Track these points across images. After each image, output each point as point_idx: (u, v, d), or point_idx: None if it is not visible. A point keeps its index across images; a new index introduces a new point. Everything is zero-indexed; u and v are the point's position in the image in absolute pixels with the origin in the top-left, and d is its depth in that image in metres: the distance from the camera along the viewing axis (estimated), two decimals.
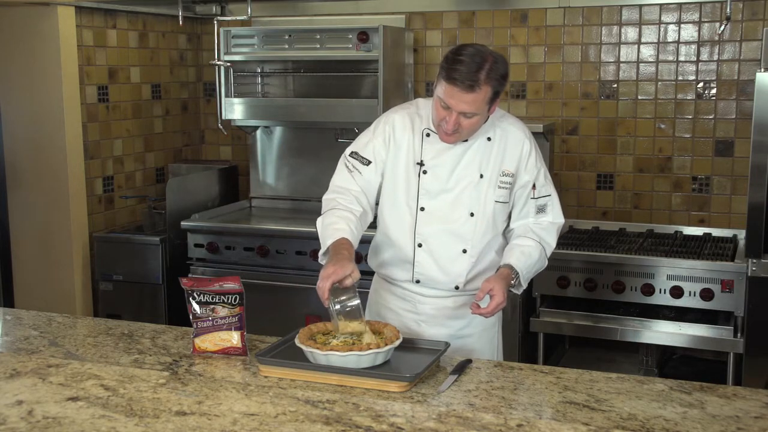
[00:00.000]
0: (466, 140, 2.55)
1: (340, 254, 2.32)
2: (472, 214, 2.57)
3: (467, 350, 2.59)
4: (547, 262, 2.67)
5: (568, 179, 4.51)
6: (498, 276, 2.49)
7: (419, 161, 2.58)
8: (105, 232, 4.54)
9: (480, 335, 2.69)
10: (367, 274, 2.92)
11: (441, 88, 2.41)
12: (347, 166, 2.62)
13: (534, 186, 2.63)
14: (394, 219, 2.63)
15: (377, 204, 2.68)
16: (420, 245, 2.59)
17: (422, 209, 2.58)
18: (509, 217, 2.68)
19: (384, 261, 2.70)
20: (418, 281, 2.62)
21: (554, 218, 2.68)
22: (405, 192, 2.60)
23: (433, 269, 2.60)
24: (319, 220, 2.53)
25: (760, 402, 1.98)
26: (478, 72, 2.35)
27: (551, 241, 2.66)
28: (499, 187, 2.58)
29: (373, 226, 2.76)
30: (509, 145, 2.59)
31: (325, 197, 2.61)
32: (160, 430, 1.82)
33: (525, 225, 2.65)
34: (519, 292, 2.62)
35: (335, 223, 2.46)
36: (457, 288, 2.61)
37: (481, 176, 2.57)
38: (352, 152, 2.63)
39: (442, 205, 2.58)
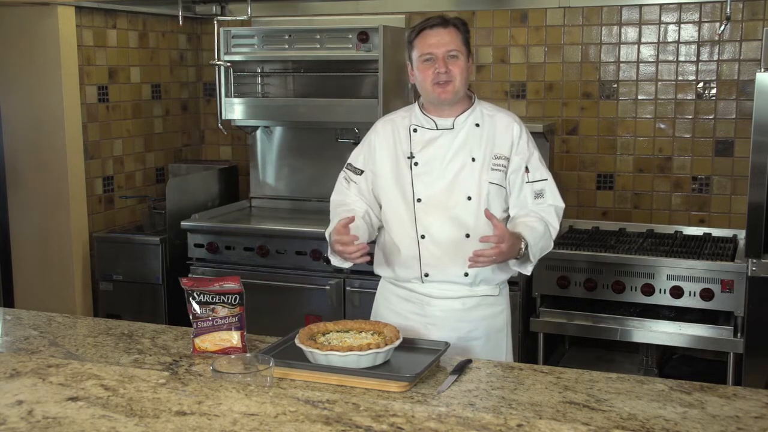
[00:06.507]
0: (453, 128, 2.59)
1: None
2: (469, 198, 2.57)
3: (473, 355, 2.50)
4: (552, 245, 2.63)
5: (568, 179, 4.51)
6: (512, 233, 2.47)
7: (409, 155, 2.61)
8: (105, 232, 4.54)
9: (487, 339, 2.66)
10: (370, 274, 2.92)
11: (417, 48, 2.56)
12: (345, 178, 2.76)
13: (527, 169, 2.62)
14: (394, 217, 2.65)
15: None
16: (423, 236, 2.59)
17: (419, 200, 2.60)
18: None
19: (389, 262, 2.69)
20: (426, 274, 2.60)
21: (554, 201, 2.66)
22: (400, 187, 2.62)
23: (439, 259, 2.58)
24: (327, 230, 2.63)
25: (760, 402, 1.98)
26: (442, 17, 2.58)
27: (554, 223, 2.63)
28: (492, 169, 2.58)
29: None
30: (498, 129, 2.61)
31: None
32: (160, 430, 1.82)
33: (525, 208, 2.63)
34: (527, 271, 2.60)
35: (338, 215, 2.60)
36: (466, 275, 2.58)
37: (473, 159, 2.58)
38: (347, 164, 2.77)
39: (438, 192, 2.59)
